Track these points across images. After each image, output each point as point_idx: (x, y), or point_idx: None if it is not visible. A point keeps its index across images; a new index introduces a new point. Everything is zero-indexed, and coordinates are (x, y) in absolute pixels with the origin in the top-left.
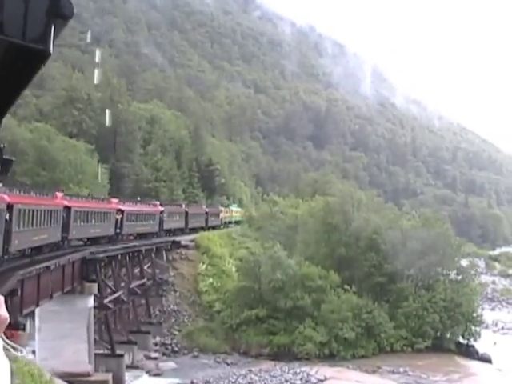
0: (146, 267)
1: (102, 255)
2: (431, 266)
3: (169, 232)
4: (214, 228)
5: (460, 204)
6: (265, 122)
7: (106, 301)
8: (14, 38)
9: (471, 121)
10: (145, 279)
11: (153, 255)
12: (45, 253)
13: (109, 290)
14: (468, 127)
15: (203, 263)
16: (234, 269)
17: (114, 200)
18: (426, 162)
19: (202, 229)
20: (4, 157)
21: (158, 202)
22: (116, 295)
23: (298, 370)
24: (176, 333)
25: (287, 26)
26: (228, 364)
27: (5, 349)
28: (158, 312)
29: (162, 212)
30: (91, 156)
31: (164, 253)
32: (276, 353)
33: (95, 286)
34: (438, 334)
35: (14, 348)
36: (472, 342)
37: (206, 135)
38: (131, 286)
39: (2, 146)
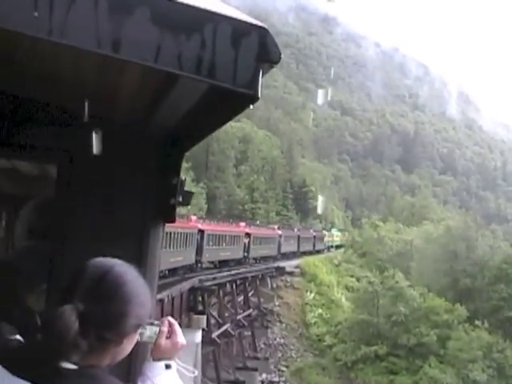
0: (249, 295)
1: (209, 283)
2: None
3: (284, 255)
4: (318, 252)
5: None
6: (352, 144)
7: (214, 335)
8: (224, 83)
9: None
10: (251, 309)
11: (258, 282)
12: (179, 275)
13: (213, 322)
14: None
15: (310, 292)
16: (343, 298)
17: (242, 223)
18: None
19: (310, 253)
20: (185, 189)
21: (276, 226)
22: (223, 328)
23: None
24: (284, 369)
25: (371, 46)
26: None
27: (178, 371)
28: (263, 345)
29: (280, 236)
30: (186, 174)
31: (268, 280)
32: None
33: (203, 318)
34: None
35: (187, 369)
36: None
37: (297, 156)
38: (238, 317)
39: (184, 178)
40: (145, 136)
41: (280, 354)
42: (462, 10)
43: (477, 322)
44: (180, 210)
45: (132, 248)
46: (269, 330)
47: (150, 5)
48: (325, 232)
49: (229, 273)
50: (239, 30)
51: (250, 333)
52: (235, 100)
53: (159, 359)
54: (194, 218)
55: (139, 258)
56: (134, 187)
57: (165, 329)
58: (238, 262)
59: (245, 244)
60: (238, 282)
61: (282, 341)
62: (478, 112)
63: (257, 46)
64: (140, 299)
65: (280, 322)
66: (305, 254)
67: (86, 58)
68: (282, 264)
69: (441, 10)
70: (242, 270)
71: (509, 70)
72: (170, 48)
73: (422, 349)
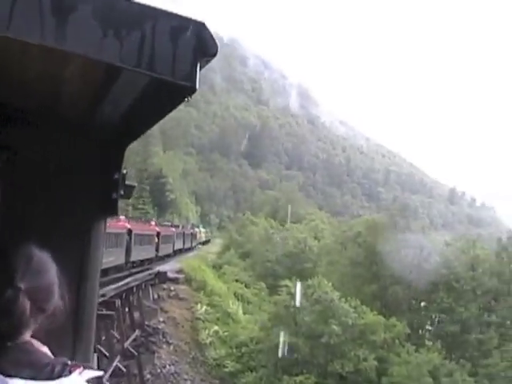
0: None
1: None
2: None
3: (175, 253)
4: (190, 249)
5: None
6: (198, 137)
7: (105, 378)
8: (164, 75)
9: (395, 144)
10: (136, 332)
11: (140, 293)
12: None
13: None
14: (393, 150)
15: (201, 304)
16: (240, 311)
17: (152, 222)
18: (361, 184)
19: (188, 249)
20: (126, 182)
21: (170, 224)
22: (114, 365)
23: None
24: None
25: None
26: None
27: None
28: (149, 376)
29: (174, 234)
30: None
31: (150, 289)
32: None
33: (94, 356)
34: None
35: None
36: None
37: (151, 145)
38: (125, 344)
39: (125, 171)
40: (86, 131)
41: None
42: (300, 3)
43: (428, 343)
44: None
45: (76, 244)
46: (155, 355)
47: (92, 2)
48: (196, 229)
49: (117, 284)
50: (177, 25)
51: (135, 361)
52: (174, 92)
53: None
54: (122, 217)
55: (83, 254)
56: (77, 183)
57: None
58: (150, 261)
59: (156, 243)
60: (124, 295)
61: (173, 368)
62: (317, 107)
63: (194, 40)
64: (55, 269)
65: (167, 343)
66: (186, 250)
67: (30, 54)
68: (161, 268)
69: (277, 2)
70: (127, 280)
71: (344, 66)
72: (112, 42)
73: (356, 376)
